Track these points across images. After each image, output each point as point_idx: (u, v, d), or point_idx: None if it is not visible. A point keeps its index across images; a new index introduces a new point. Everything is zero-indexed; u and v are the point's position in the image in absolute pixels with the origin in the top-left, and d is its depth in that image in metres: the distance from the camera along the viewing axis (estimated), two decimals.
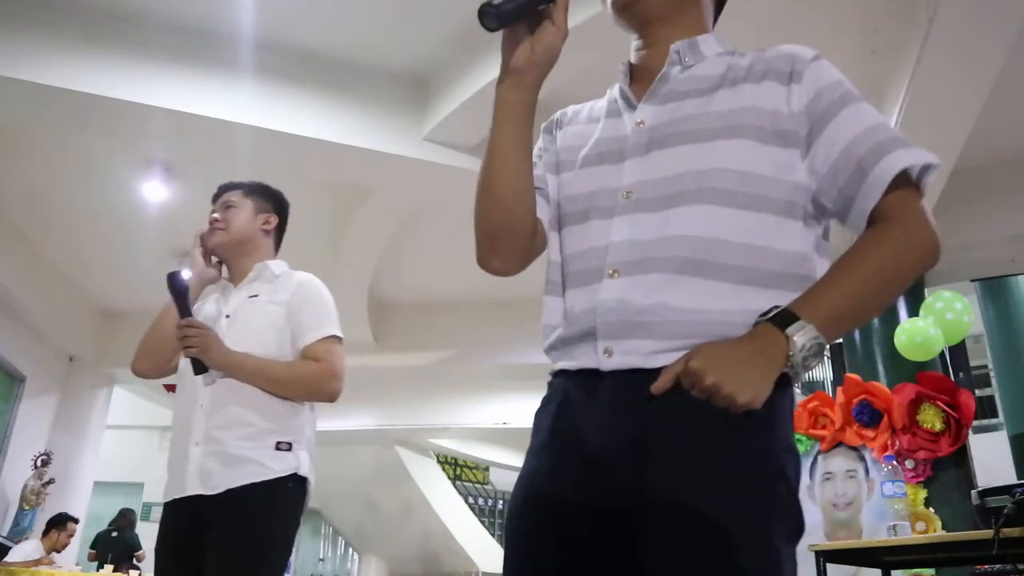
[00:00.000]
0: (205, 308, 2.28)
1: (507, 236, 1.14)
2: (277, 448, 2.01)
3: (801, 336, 0.93)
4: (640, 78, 1.19)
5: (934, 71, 4.14)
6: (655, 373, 0.96)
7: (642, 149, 1.10)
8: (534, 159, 1.20)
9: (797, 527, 1.04)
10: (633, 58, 1.22)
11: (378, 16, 4.65)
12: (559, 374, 1.11)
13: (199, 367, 2.03)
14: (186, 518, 1.99)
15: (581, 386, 1.05)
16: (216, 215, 2.27)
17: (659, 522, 0.95)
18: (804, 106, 1.07)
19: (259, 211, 2.31)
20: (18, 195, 6.31)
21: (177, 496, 2.02)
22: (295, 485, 2.02)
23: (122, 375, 8.87)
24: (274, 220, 2.33)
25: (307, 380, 2.08)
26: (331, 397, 2.09)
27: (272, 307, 2.16)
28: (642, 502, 0.96)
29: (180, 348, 2.07)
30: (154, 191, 5.85)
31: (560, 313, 1.12)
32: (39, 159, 5.85)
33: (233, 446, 1.99)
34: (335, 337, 2.15)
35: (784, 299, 0.98)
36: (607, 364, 1.02)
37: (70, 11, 4.54)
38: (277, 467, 1.99)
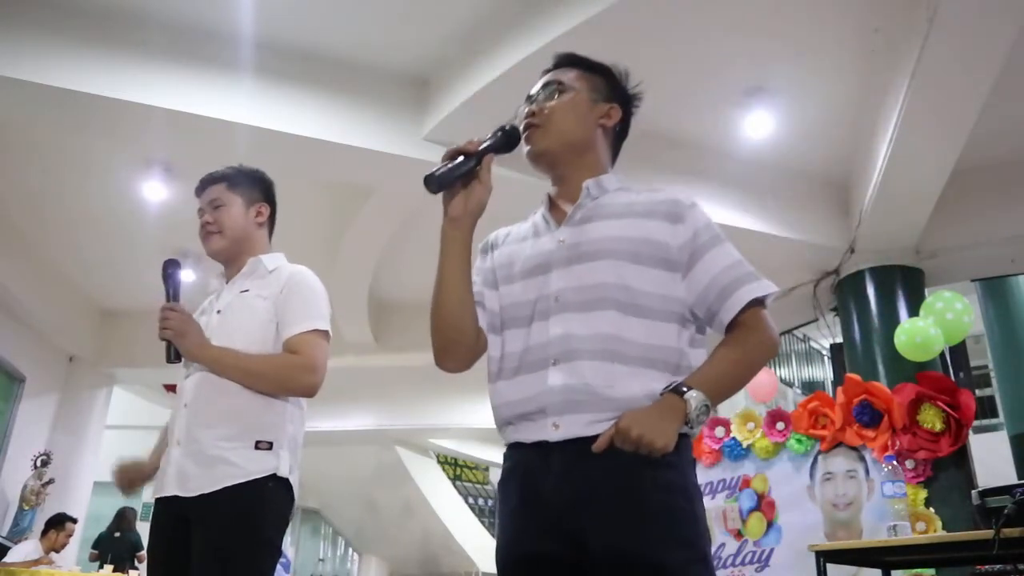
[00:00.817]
0: (198, 320, 2.24)
1: (456, 345, 1.48)
2: (256, 447, 1.94)
3: (694, 399, 1.28)
4: (557, 206, 1.54)
5: (934, 71, 4.14)
6: (591, 440, 1.27)
7: (564, 262, 1.42)
8: (473, 277, 1.51)
9: (706, 545, 1.32)
10: (551, 192, 1.57)
11: (378, 16, 4.65)
12: (515, 446, 1.40)
13: (172, 354, 2.01)
14: (170, 517, 1.96)
15: (536, 456, 1.34)
16: (207, 218, 2.18)
17: (605, 569, 1.24)
18: (685, 241, 1.42)
19: (249, 203, 2.22)
20: (18, 195, 6.32)
21: (159, 495, 2.00)
22: (275, 486, 1.95)
23: (122, 375, 8.88)
24: (266, 210, 2.25)
25: (281, 372, 1.99)
26: (308, 391, 2.01)
27: (259, 301, 2.09)
28: (590, 551, 1.25)
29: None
30: (154, 191, 5.85)
31: (510, 396, 1.42)
32: (39, 159, 5.84)
33: (211, 446, 1.94)
34: (319, 331, 2.06)
35: (670, 380, 1.33)
36: (555, 436, 1.32)
37: (70, 11, 4.54)
38: (254, 468, 1.92)
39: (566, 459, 1.31)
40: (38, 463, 7.44)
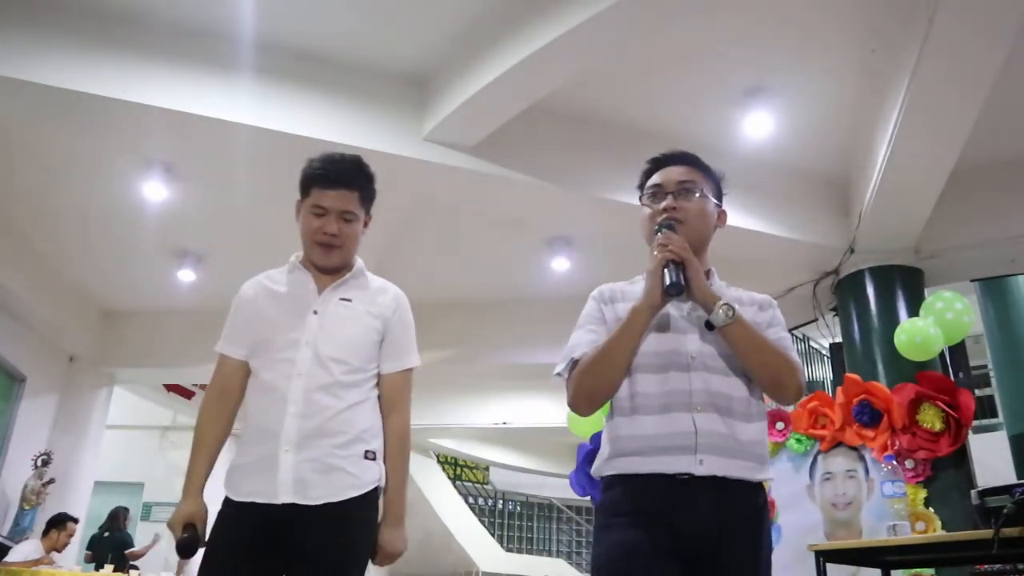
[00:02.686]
0: (269, 304, 2.10)
1: (605, 399, 1.77)
2: (365, 457, 1.98)
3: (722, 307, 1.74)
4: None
5: (934, 71, 4.14)
6: (726, 480, 1.65)
7: (695, 330, 1.76)
8: (596, 320, 1.84)
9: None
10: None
11: (378, 16, 4.65)
12: (648, 475, 1.67)
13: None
14: (267, 521, 1.89)
15: (673, 485, 1.65)
16: (334, 229, 2.06)
17: None
18: (764, 320, 1.81)
19: (366, 215, 2.16)
20: (18, 195, 6.31)
21: (262, 501, 1.91)
22: (377, 497, 2.01)
23: (122, 375, 8.88)
24: (369, 222, 2.20)
25: (408, 448, 2.10)
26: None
27: (371, 320, 2.09)
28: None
29: None
30: (154, 191, 5.85)
31: (643, 431, 1.71)
32: (39, 159, 5.84)
33: (328, 454, 1.93)
34: (413, 369, 2.15)
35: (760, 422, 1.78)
36: (701, 471, 1.64)
37: (70, 11, 4.54)
38: (368, 479, 1.97)
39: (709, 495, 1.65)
40: (38, 463, 7.44)
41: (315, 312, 2.06)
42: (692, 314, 1.76)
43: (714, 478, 1.62)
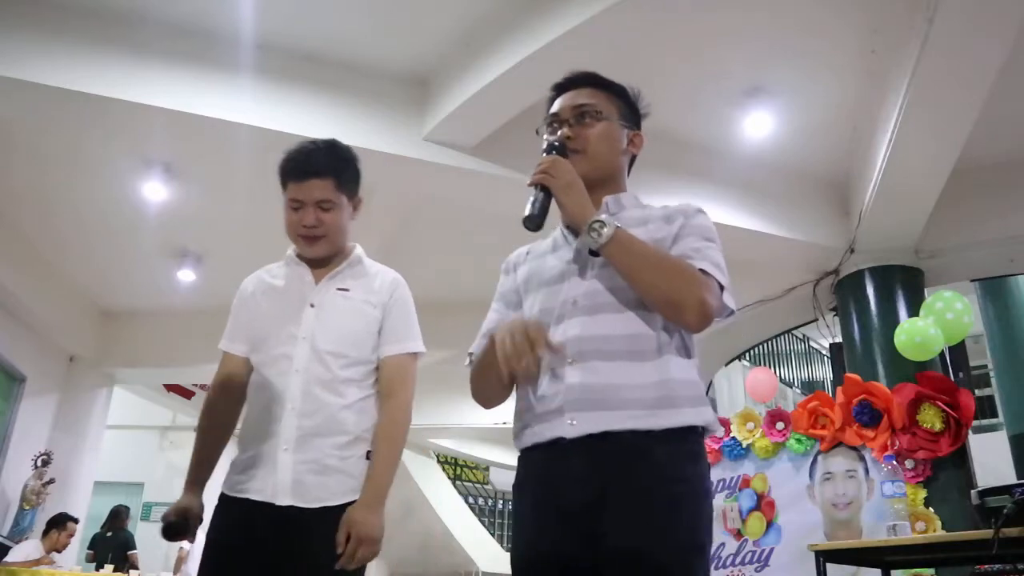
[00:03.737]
0: (267, 301, 2.06)
1: (501, 403, 1.66)
2: (367, 458, 1.92)
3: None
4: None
5: (934, 71, 4.14)
6: (608, 436, 1.39)
7: (579, 272, 1.53)
8: (495, 304, 1.72)
9: (704, 535, 1.42)
10: None
11: (378, 16, 4.65)
12: (529, 449, 1.50)
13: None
14: (265, 519, 1.84)
15: (551, 456, 1.44)
16: (312, 220, 1.99)
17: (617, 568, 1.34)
18: (672, 232, 1.53)
19: (351, 200, 2.07)
20: (18, 195, 6.31)
21: (259, 499, 1.86)
22: None
23: (122, 375, 8.88)
24: (360, 202, 2.12)
25: (402, 437, 1.98)
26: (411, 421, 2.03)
27: (370, 309, 2.01)
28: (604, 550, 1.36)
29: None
30: (154, 191, 5.85)
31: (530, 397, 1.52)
32: (39, 159, 5.84)
33: (329, 455, 1.88)
34: (416, 354, 2.04)
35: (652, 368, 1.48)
36: (571, 432, 1.41)
37: (70, 11, 4.54)
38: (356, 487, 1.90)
39: (582, 457, 1.41)
40: (38, 463, 7.44)
41: (312, 305, 2.00)
42: (584, 252, 1.54)
43: (590, 438, 1.40)
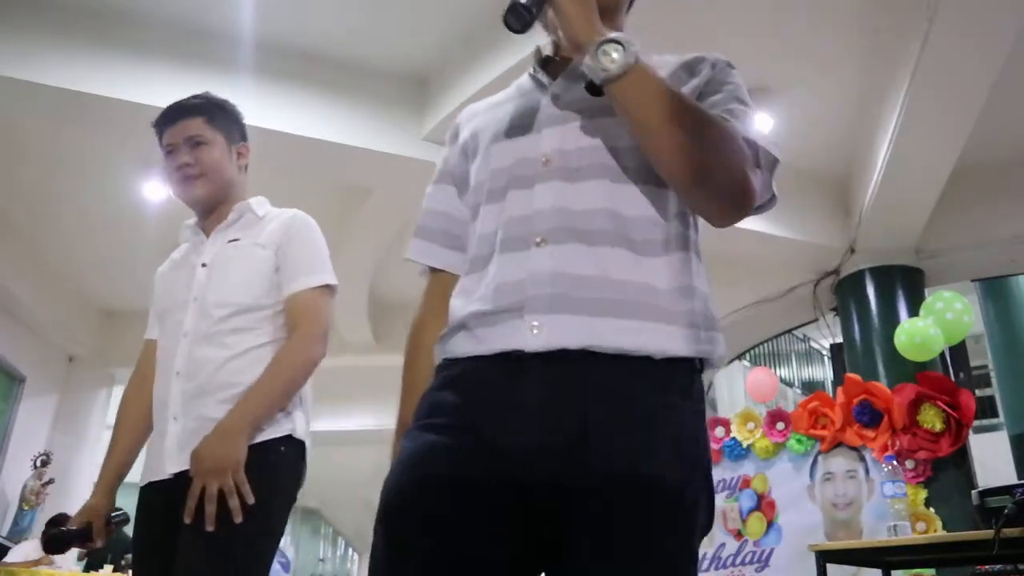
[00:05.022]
0: (169, 275, 1.95)
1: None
2: None
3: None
4: (555, 61, 1.19)
5: (934, 71, 4.14)
6: (589, 356, 0.96)
7: (560, 120, 1.09)
8: (441, 174, 1.29)
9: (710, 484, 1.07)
10: (548, 49, 1.22)
11: (378, 16, 4.65)
12: (464, 359, 1.03)
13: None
14: (162, 500, 1.69)
15: (498, 370, 1.00)
16: (186, 159, 1.86)
17: (596, 512, 0.93)
18: (696, 86, 1.11)
19: (231, 143, 1.94)
20: (18, 195, 6.31)
21: (154, 479, 1.72)
22: (288, 449, 1.71)
23: (122, 375, 8.87)
24: (247, 151, 1.99)
25: (296, 367, 1.72)
26: (321, 359, 1.77)
27: (258, 250, 1.84)
28: (576, 492, 0.94)
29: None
30: (154, 191, 5.85)
31: (474, 289, 1.06)
32: (39, 159, 5.84)
33: (214, 410, 1.67)
34: (327, 287, 1.83)
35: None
36: (534, 344, 0.97)
37: (70, 11, 4.54)
38: (266, 429, 1.67)
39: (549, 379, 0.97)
40: (38, 463, 7.44)
41: (203, 265, 1.86)
42: (570, 91, 1.09)
43: (562, 353, 0.96)
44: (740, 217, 1.03)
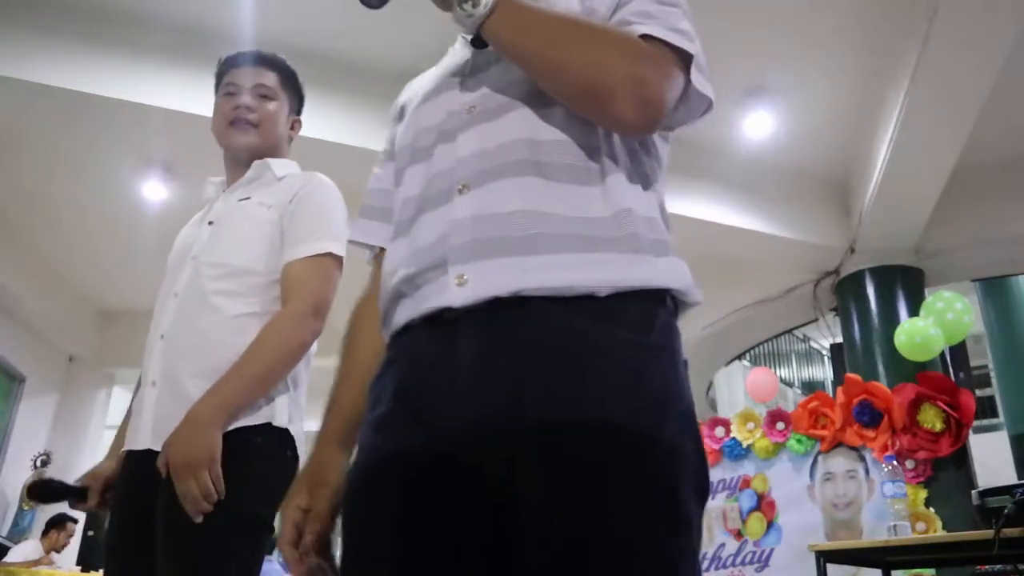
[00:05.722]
0: (184, 233, 1.82)
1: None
2: None
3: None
4: None
5: (934, 71, 4.14)
6: (524, 303, 0.84)
7: (483, 67, 1.02)
8: (383, 155, 1.25)
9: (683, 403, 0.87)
10: None
11: (377, 16, 4.61)
12: (400, 333, 0.94)
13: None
14: (137, 473, 1.54)
15: (431, 338, 0.89)
16: (248, 102, 1.74)
17: (546, 471, 0.79)
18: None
19: (290, 111, 1.85)
20: (17, 195, 6.31)
21: (132, 448, 1.57)
22: (266, 439, 1.51)
23: (122, 375, 8.87)
24: (299, 126, 1.90)
25: (279, 350, 1.53)
26: (315, 338, 1.59)
27: (261, 210, 1.67)
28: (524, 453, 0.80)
29: None
30: (154, 191, 5.85)
31: (400, 254, 0.96)
32: (39, 159, 5.84)
33: (188, 383, 1.51)
34: (330, 256, 1.62)
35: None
36: (461, 297, 0.87)
37: (70, 11, 4.54)
38: (240, 417, 1.49)
39: (478, 337, 0.86)
40: (38, 463, 7.44)
41: (210, 223, 1.71)
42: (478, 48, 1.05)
43: (494, 305, 0.85)
44: (648, 121, 0.92)
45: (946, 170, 4.91)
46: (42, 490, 1.70)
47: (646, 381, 0.83)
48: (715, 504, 5.16)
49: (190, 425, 1.43)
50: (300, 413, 1.61)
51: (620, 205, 0.90)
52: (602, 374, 0.82)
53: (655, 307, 0.88)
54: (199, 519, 1.39)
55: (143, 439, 1.54)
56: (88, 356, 8.31)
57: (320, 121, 4.86)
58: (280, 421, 1.54)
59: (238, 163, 1.78)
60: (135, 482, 1.54)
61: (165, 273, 1.77)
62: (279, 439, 1.54)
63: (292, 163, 1.82)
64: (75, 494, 1.63)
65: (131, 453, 1.58)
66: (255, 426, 1.50)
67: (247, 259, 1.62)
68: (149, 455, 1.49)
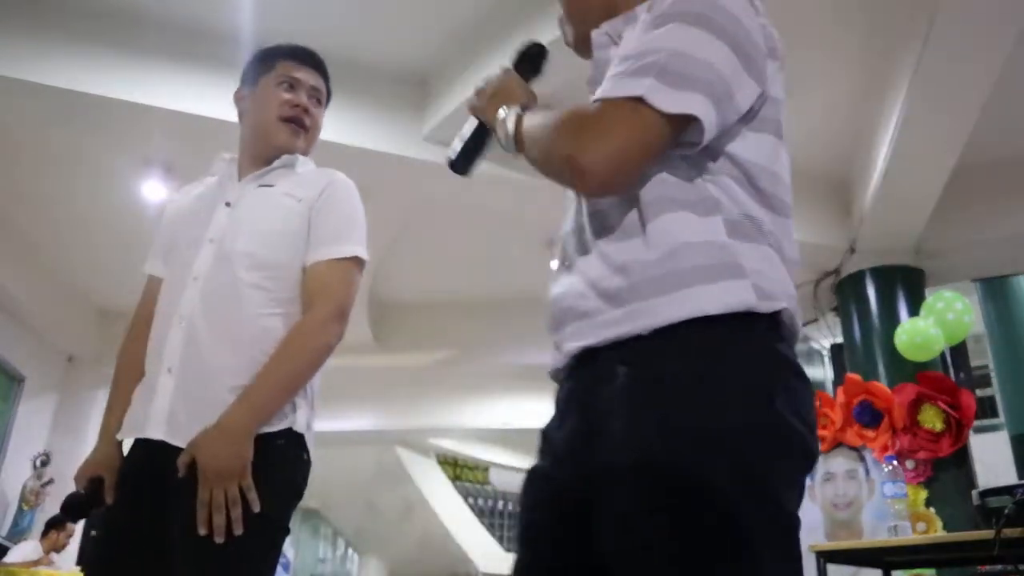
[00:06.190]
0: (187, 206, 1.77)
1: None
2: None
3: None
4: None
5: (934, 71, 4.13)
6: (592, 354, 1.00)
7: None
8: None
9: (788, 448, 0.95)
10: None
11: (378, 16, 4.65)
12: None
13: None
14: (146, 463, 1.52)
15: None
16: (308, 102, 1.76)
17: (616, 502, 0.91)
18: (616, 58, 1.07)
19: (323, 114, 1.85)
20: (17, 195, 6.31)
21: (139, 435, 1.54)
22: (287, 445, 1.52)
23: None
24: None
25: (308, 354, 1.53)
26: (336, 343, 1.59)
27: (289, 201, 1.65)
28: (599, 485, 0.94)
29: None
30: (154, 191, 5.85)
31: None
32: (39, 159, 5.84)
33: (212, 381, 1.50)
34: (357, 260, 1.65)
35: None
36: (558, 360, 1.08)
37: (70, 11, 4.54)
38: (272, 420, 1.50)
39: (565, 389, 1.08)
40: (38, 463, 7.44)
41: (228, 204, 1.67)
42: None
43: (575, 363, 1.03)
44: (601, 184, 0.98)
45: (946, 170, 4.91)
46: (78, 507, 1.59)
47: (680, 414, 0.90)
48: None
49: (224, 434, 1.42)
50: (314, 416, 1.62)
51: (664, 247, 0.96)
52: (634, 416, 0.91)
53: (697, 335, 0.93)
54: (220, 538, 1.38)
55: (155, 428, 1.50)
56: (88, 356, 8.31)
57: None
58: (299, 426, 1.55)
59: (267, 157, 1.74)
60: (146, 473, 1.51)
61: (165, 248, 1.74)
62: (297, 443, 1.55)
63: (308, 159, 1.83)
64: (96, 499, 1.57)
65: (140, 442, 1.55)
66: (278, 431, 1.51)
67: (277, 253, 1.61)
68: (163, 448, 1.47)
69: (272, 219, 1.64)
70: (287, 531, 1.53)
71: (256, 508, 1.41)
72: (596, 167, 0.95)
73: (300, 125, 1.74)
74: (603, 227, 1.02)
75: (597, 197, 1.03)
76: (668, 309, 0.93)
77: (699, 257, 0.94)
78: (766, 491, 0.91)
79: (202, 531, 1.38)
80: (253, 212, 1.65)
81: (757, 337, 0.94)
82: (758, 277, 0.95)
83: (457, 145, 1.22)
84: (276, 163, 1.72)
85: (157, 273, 1.75)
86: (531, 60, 1.22)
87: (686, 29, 0.97)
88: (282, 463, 1.51)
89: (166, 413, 1.50)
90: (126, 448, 1.62)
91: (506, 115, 1.10)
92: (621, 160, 0.95)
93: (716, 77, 0.95)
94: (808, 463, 1.02)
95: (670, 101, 0.94)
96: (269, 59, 1.80)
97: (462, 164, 1.21)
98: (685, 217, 0.97)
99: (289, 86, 1.75)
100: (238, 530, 1.39)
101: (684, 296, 0.93)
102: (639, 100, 0.94)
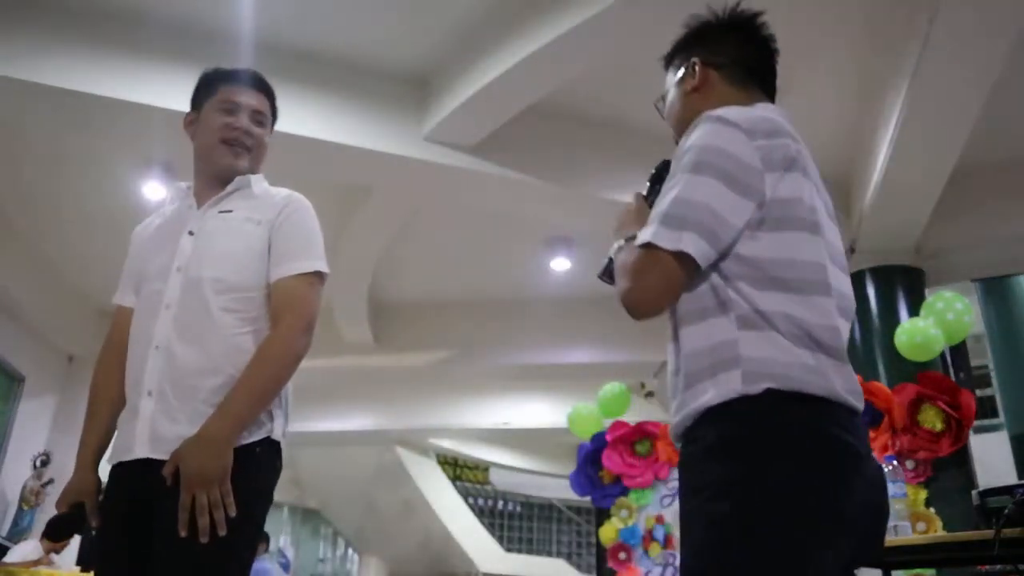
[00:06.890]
0: (151, 237, 1.85)
1: None
2: None
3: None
4: None
5: (934, 71, 4.14)
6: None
7: None
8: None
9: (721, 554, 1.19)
10: None
11: (378, 16, 4.64)
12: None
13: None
14: (133, 484, 1.59)
15: None
16: (250, 127, 1.84)
17: None
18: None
19: (270, 130, 1.94)
20: (18, 195, 6.31)
21: (124, 459, 1.62)
22: (264, 451, 1.60)
23: None
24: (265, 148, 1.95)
25: (280, 363, 1.61)
26: (305, 353, 1.68)
27: (251, 227, 1.73)
28: None
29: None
30: (154, 191, 5.85)
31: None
32: (39, 159, 5.84)
33: (191, 397, 1.59)
34: (318, 274, 1.72)
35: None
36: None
37: (71, 12, 4.54)
38: (247, 432, 1.57)
39: None
40: (38, 463, 7.44)
41: (191, 233, 1.75)
42: None
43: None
44: (643, 314, 1.29)
45: (946, 170, 4.91)
46: (63, 527, 1.71)
47: (693, 527, 1.22)
48: None
49: (205, 443, 1.50)
50: (287, 423, 1.71)
51: (684, 353, 1.30)
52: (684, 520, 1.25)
53: (710, 428, 1.24)
54: (204, 538, 1.46)
55: (139, 448, 1.59)
56: (88, 356, 8.30)
57: (318, 120, 4.86)
58: (277, 435, 1.64)
59: (218, 178, 1.82)
60: (132, 491, 1.59)
61: (134, 279, 1.84)
62: (275, 451, 1.65)
63: (261, 177, 1.90)
64: (80, 520, 1.68)
65: (123, 464, 1.63)
66: (258, 440, 1.60)
67: (243, 277, 1.69)
68: (146, 464, 1.56)
69: (235, 244, 1.72)
70: (263, 532, 1.62)
71: (233, 512, 1.48)
72: (630, 304, 1.30)
73: (241, 147, 1.82)
74: (669, 335, 1.36)
75: (645, 319, 1.32)
76: (695, 400, 1.25)
77: (704, 360, 1.26)
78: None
79: (182, 533, 1.45)
80: (215, 239, 1.73)
81: (748, 417, 1.22)
82: (752, 364, 1.22)
83: (604, 261, 1.50)
84: (230, 187, 1.80)
85: (127, 304, 1.84)
86: (661, 178, 1.46)
87: (687, 177, 1.27)
88: (260, 470, 1.60)
89: (148, 432, 1.59)
90: (103, 473, 1.72)
91: (614, 251, 1.41)
92: (643, 298, 1.28)
93: (708, 214, 1.23)
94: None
95: (669, 241, 1.24)
96: (211, 84, 1.89)
97: (610, 279, 1.45)
98: (699, 327, 1.28)
99: (228, 110, 1.84)
100: (222, 531, 1.46)
101: (698, 390, 1.26)
102: (653, 245, 1.25)
